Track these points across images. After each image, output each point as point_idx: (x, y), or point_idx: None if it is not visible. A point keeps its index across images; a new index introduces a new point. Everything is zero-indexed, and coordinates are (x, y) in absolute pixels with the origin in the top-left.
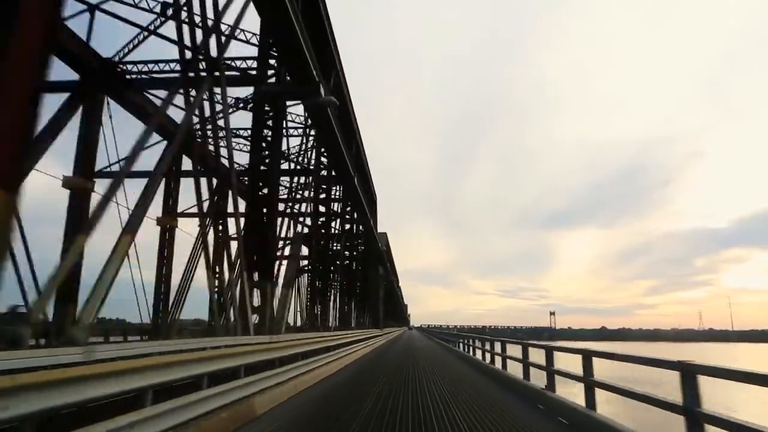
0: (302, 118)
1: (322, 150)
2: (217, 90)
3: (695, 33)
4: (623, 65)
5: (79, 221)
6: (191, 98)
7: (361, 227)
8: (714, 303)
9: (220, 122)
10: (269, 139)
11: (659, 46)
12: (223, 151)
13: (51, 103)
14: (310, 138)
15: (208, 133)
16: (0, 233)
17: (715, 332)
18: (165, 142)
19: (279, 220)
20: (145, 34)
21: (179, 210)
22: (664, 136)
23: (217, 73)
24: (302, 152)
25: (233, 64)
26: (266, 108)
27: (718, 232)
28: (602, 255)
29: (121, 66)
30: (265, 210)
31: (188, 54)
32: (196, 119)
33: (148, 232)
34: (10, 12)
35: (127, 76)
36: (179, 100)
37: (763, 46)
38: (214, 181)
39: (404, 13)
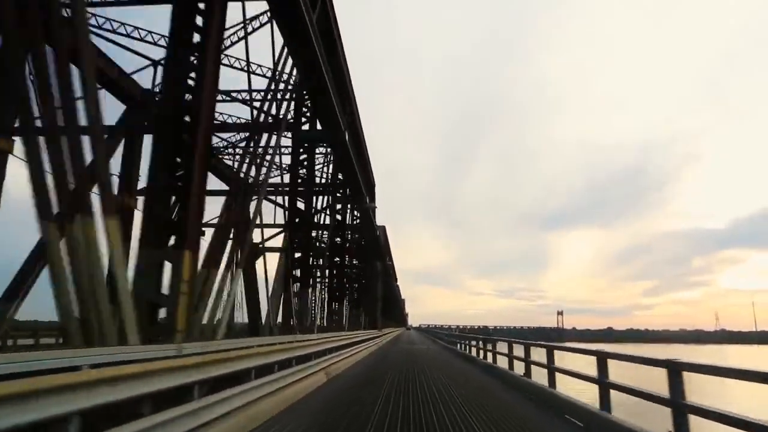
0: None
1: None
2: None
3: (695, 33)
4: (623, 65)
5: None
6: None
7: (356, 213)
8: (713, 303)
9: None
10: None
11: (659, 46)
12: None
13: None
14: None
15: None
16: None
17: (730, 333)
18: None
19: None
20: None
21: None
22: (663, 136)
23: None
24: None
25: None
26: None
27: (717, 232)
28: (600, 256)
29: None
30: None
31: None
32: None
33: None
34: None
35: None
36: None
37: (763, 46)
38: None
39: (404, 13)
